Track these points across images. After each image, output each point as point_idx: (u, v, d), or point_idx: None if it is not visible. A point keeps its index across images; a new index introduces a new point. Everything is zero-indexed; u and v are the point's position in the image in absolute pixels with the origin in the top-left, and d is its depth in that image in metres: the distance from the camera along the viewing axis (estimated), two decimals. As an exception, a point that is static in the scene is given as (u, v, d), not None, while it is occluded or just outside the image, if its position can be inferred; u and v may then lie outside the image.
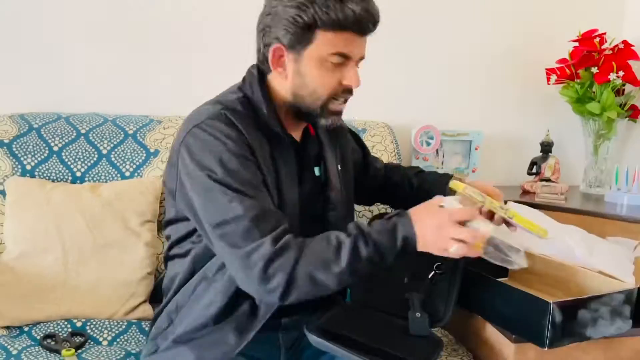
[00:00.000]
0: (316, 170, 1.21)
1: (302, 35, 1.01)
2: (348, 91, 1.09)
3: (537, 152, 1.97)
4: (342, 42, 1.02)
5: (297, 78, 1.06)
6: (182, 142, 1.04)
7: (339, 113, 1.11)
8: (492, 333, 1.29)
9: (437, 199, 1.02)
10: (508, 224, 1.07)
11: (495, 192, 1.12)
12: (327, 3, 0.99)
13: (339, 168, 1.26)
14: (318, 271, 0.96)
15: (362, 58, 1.09)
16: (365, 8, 1.01)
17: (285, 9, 1.01)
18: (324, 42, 1.02)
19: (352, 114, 1.75)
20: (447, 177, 1.35)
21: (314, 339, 1.04)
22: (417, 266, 1.25)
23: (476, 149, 1.89)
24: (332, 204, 1.20)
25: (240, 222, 0.96)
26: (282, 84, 1.09)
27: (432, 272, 1.24)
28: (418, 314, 1.18)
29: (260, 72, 1.11)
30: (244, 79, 1.14)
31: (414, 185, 1.37)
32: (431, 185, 1.33)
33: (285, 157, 1.10)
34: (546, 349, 1.12)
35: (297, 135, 1.18)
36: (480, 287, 1.27)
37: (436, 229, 0.97)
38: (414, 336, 1.16)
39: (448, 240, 0.96)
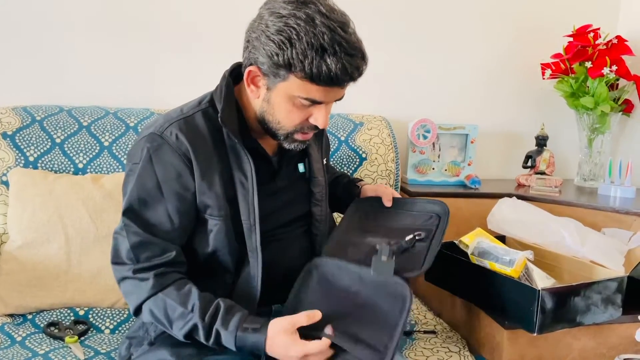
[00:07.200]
0: (300, 167, 1.21)
1: (277, 71, 0.98)
2: (315, 127, 1.07)
3: (532, 146, 2.00)
4: (314, 91, 0.99)
5: (265, 104, 1.05)
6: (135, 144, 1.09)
7: (303, 142, 1.10)
8: (485, 320, 1.32)
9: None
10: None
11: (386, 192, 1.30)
12: (306, 53, 0.94)
13: (324, 162, 1.27)
14: (160, 317, 1.02)
15: (339, 99, 1.06)
16: (344, 66, 0.95)
17: (267, 41, 0.97)
18: (296, 85, 0.98)
19: (350, 107, 1.79)
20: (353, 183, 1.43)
21: None
22: (397, 236, 1.19)
23: (472, 142, 1.91)
24: (317, 200, 1.21)
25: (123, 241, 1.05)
26: (253, 98, 1.08)
27: (411, 235, 1.18)
28: (384, 258, 1.06)
29: (237, 76, 1.10)
30: (217, 87, 1.11)
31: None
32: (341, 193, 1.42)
33: (245, 168, 1.08)
34: (535, 334, 1.15)
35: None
36: (473, 275, 1.29)
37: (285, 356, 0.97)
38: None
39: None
